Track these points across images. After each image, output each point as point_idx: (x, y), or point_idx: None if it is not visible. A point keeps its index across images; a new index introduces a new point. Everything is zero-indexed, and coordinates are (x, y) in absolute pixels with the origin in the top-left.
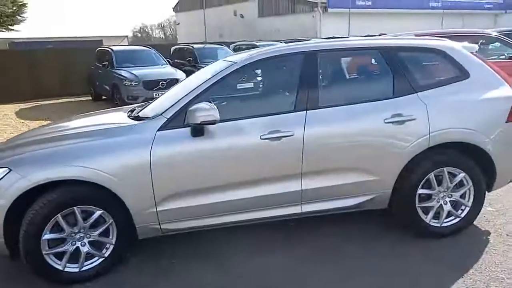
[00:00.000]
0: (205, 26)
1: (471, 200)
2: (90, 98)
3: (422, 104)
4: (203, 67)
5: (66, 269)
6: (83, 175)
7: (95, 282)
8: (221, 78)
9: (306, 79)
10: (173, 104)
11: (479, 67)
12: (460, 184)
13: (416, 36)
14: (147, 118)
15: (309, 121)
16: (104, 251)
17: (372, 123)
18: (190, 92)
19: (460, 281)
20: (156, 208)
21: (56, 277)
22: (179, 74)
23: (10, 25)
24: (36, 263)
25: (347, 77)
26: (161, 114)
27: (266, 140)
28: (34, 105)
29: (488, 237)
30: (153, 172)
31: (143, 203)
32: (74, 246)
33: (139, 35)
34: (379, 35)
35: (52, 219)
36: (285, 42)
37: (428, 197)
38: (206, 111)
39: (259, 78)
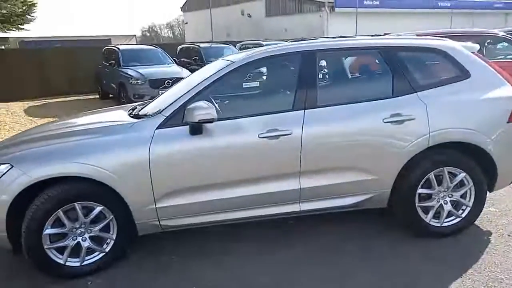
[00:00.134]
0: (211, 25)
1: (472, 200)
2: (98, 96)
3: (421, 103)
4: None
5: (68, 264)
6: (83, 171)
7: (96, 277)
8: (219, 77)
9: (304, 78)
10: (172, 103)
11: (481, 67)
12: (461, 184)
13: (418, 35)
14: (146, 116)
15: (307, 120)
16: (104, 246)
17: (371, 123)
18: (189, 91)
19: (459, 281)
20: (156, 205)
21: (58, 271)
22: (185, 73)
23: (20, 24)
24: (38, 257)
25: (346, 76)
26: (160, 113)
27: (264, 139)
28: (43, 103)
29: (489, 237)
30: (152, 170)
31: (143, 200)
32: (75, 241)
33: (148, 34)
34: (384, 34)
35: (53, 214)
36: (291, 42)
37: (428, 197)
38: (204, 109)
39: (264, 77)
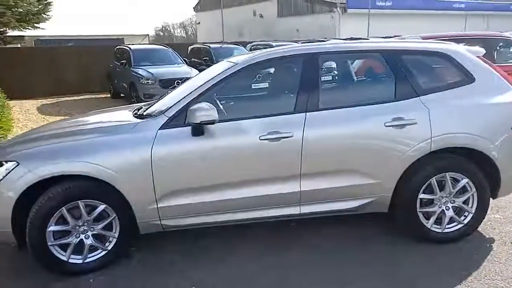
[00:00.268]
0: (222, 25)
1: (475, 206)
2: (109, 95)
3: (424, 108)
4: None
5: (70, 260)
6: (86, 170)
7: (98, 274)
8: (222, 79)
9: (307, 81)
10: (175, 104)
11: (485, 72)
12: (463, 190)
13: (423, 38)
14: (150, 116)
15: (308, 123)
16: (107, 244)
17: (372, 126)
18: (192, 92)
19: None
20: (157, 205)
21: (61, 268)
22: (194, 73)
23: (35, 23)
24: (41, 254)
25: (348, 79)
26: (163, 113)
27: (265, 141)
28: (56, 101)
29: (492, 244)
30: (154, 170)
31: (144, 200)
32: (78, 239)
33: (162, 34)
34: (393, 37)
35: (57, 212)
36: (302, 43)
37: (430, 202)
38: (205, 111)
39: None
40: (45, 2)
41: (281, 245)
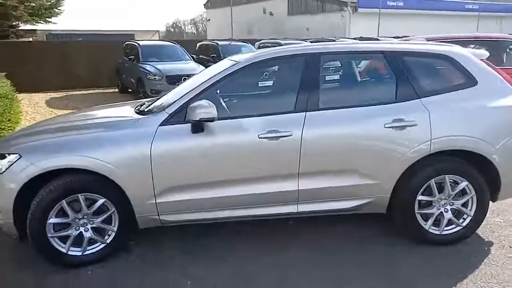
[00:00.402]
0: (231, 23)
1: (474, 209)
2: (117, 90)
3: (425, 110)
4: None
5: (70, 252)
6: (86, 164)
7: (96, 266)
8: (223, 77)
9: (307, 80)
10: (176, 101)
11: (488, 75)
12: (463, 192)
13: (427, 40)
14: (151, 113)
15: (308, 122)
16: (106, 237)
17: (372, 127)
18: (192, 89)
19: None
20: (156, 200)
21: (60, 259)
22: (201, 70)
23: (47, 17)
24: (42, 245)
25: (349, 79)
26: (164, 110)
27: (264, 139)
28: (64, 94)
29: (490, 248)
30: (153, 165)
31: (143, 194)
32: (78, 231)
33: (172, 30)
34: (402, 37)
35: (58, 204)
36: (310, 42)
37: (428, 204)
38: (205, 108)
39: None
40: None
41: (281, 244)
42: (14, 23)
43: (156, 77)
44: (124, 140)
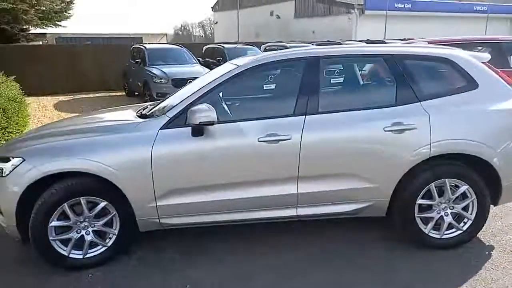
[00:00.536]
0: (238, 26)
1: (474, 213)
2: (124, 93)
3: (424, 113)
4: None
5: (71, 255)
6: (88, 168)
7: (98, 270)
8: (223, 80)
9: (307, 84)
10: (176, 104)
11: (489, 78)
12: (463, 196)
13: (429, 43)
14: (152, 116)
15: (307, 126)
16: (107, 240)
17: (371, 131)
18: (193, 93)
19: None
20: (156, 203)
21: (61, 262)
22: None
23: (57, 21)
24: (43, 248)
25: (349, 83)
26: (165, 113)
27: (264, 143)
28: (72, 98)
29: (491, 252)
30: (154, 168)
31: (144, 198)
32: (79, 234)
33: (180, 33)
34: (407, 39)
35: (59, 207)
36: (316, 44)
37: (429, 208)
38: (205, 112)
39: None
40: (68, 0)
41: (280, 246)
42: (24, 27)
43: (162, 80)
44: (125, 143)
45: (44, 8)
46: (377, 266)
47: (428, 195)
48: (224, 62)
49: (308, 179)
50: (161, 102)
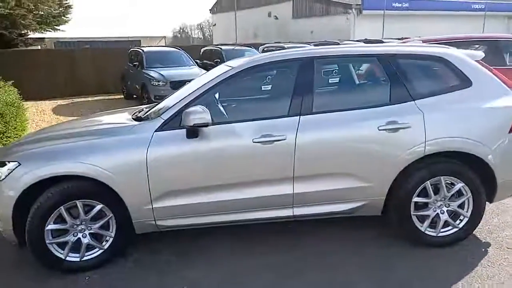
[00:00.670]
0: (236, 27)
1: (470, 210)
2: (123, 96)
3: (419, 112)
4: None
5: (68, 258)
6: (84, 171)
7: (94, 272)
8: (217, 82)
9: (301, 84)
10: (171, 107)
11: (483, 76)
12: (459, 193)
13: (423, 42)
14: (147, 119)
15: (302, 126)
16: (104, 243)
17: (366, 130)
18: (187, 95)
19: None
20: (152, 205)
21: (58, 265)
22: None
23: (56, 25)
24: (40, 252)
25: (343, 83)
26: (159, 116)
27: (258, 144)
28: (70, 102)
29: (488, 249)
30: (149, 171)
31: (140, 200)
32: (76, 237)
33: (179, 35)
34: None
35: (56, 211)
36: (314, 45)
37: (424, 206)
38: (199, 114)
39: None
40: (66, 5)
41: (277, 246)
42: (23, 32)
43: (160, 83)
44: (121, 146)
45: (42, 13)
46: (373, 264)
47: (424, 193)
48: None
49: (303, 179)
50: (156, 105)
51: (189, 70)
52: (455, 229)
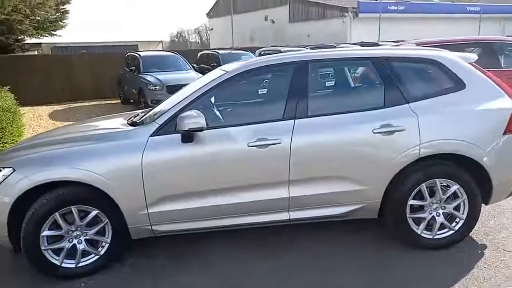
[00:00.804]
0: (232, 31)
1: (466, 213)
2: (120, 101)
3: (413, 114)
4: None
5: (63, 265)
6: (79, 177)
7: (90, 279)
8: (212, 87)
9: (296, 88)
10: (166, 111)
11: (477, 78)
12: (454, 196)
13: (417, 44)
14: (142, 124)
15: (297, 129)
16: (99, 249)
17: (360, 133)
18: (182, 100)
19: None
20: (148, 210)
21: (54, 272)
22: None
23: (52, 30)
24: (35, 258)
25: (338, 86)
26: (154, 120)
27: (254, 148)
28: (67, 107)
29: (484, 251)
30: (144, 176)
31: (135, 205)
32: (71, 243)
33: (176, 40)
34: (398, 41)
35: (51, 217)
36: (311, 48)
37: (420, 208)
38: (194, 118)
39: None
40: (63, 10)
41: (273, 249)
42: (19, 37)
43: (156, 87)
44: (115, 151)
45: (39, 18)
46: (370, 266)
47: (420, 196)
48: None
49: (299, 182)
50: (151, 109)
51: (186, 74)
52: (451, 232)
